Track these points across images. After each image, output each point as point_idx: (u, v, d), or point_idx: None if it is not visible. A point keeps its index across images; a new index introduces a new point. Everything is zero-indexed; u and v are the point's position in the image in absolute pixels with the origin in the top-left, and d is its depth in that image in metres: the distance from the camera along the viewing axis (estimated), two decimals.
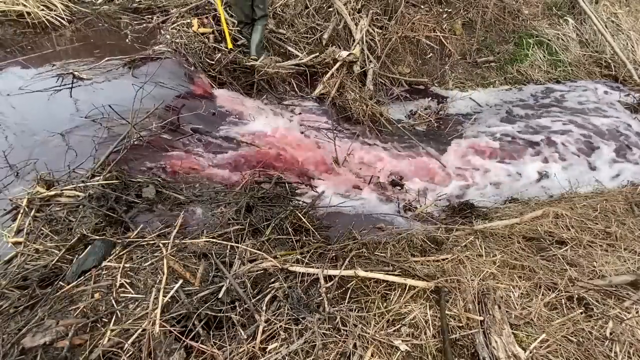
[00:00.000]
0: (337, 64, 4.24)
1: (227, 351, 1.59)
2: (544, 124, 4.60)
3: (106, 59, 3.66)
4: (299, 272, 1.97)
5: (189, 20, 4.27)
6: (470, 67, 5.30)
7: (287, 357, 1.57)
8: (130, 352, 1.50)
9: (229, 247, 2.10)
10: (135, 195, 2.39)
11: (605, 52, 5.53)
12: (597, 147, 4.31)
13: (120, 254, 1.94)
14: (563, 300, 1.95)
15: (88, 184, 2.34)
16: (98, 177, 2.40)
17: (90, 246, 1.96)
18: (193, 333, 1.64)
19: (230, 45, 4.09)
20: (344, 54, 4.25)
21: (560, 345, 1.71)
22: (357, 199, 3.27)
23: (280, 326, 1.69)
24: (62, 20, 4.42)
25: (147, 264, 1.89)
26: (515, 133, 4.42)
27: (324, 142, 3.76)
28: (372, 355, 1.60)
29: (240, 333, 1.66)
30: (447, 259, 2.23)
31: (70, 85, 3.19)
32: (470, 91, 5.05)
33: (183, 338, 1.59)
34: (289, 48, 4.58)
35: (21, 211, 2.15)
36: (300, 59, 4.32)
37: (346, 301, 1.86)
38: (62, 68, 3.44)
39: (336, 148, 3.66)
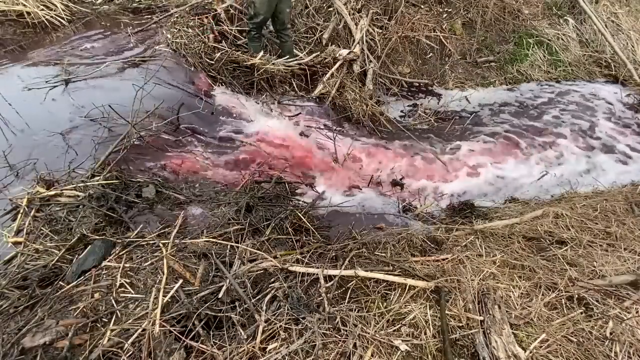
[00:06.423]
0: (337, 64, 4.24)
1: (227, 351, 1.59)
2: (543, 123, 4.59)
3: (106, 59, 3.66)
4: (299, 272, 1.97)
5: (188, 21, 4.26)
6: (470, 67, 5.29)
7: (287, 357, 1.57)
8: (130, 352, 1.51)
9: (229, 247, 2.10)
10: (135, 195, 2.39)
11: (605, 52, 5.53)
12: (595, 147, 4.32)
13: (120, 253, 1.94)
14: (563, 300, 1.95)
15: (88, 183, 2.34)
16: (98, 177, 2.40)
17: (90, 246, 1.96)
18: (193, 333, 1.64)
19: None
20: (344, 52, 4.25)
21: (560, 345, 1.71)
22: (357, 199, 3.27)
23: (280, 326, 1.68)
24: (62, 20, 4.42)
25: (147, 264, 1.89)
26: (516, 132, 4.42)
27: (324, 142, 3.76)
28: (372, 355, 1.60)
29: (240, 333, 1.66)
30: (447, 259, 2.23)
31: (69, 85, 3.19)
32: (470, 90, 5.04)
33: (183, 338, 1.59)
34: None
35: (21, 211, 2.15)
36: (300, 59, 4.31)
37: (346, 301, 1.86)
38: (62, 68, 3.44)
39: (336, 148, 3.66)
